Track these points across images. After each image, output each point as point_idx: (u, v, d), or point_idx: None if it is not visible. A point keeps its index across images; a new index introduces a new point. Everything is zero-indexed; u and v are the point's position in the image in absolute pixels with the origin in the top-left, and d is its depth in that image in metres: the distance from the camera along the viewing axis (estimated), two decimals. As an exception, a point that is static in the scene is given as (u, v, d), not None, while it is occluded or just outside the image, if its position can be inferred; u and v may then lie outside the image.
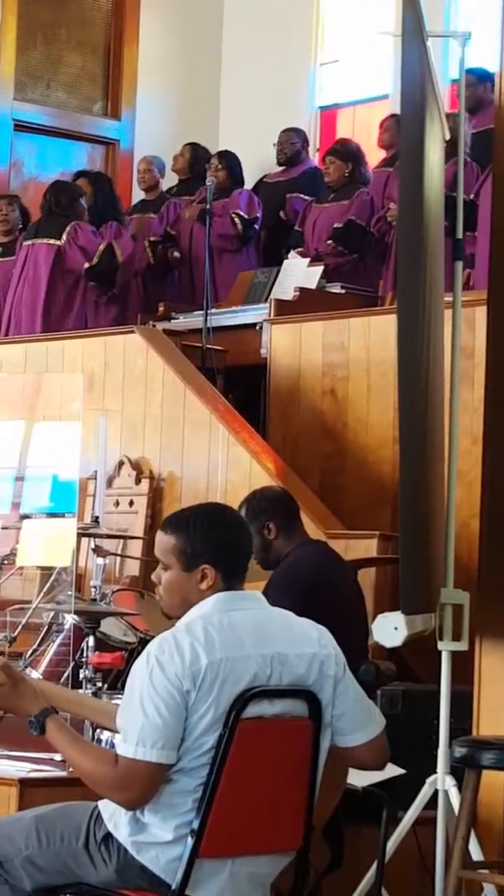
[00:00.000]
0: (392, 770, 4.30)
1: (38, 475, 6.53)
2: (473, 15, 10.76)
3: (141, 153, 11.66)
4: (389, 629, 4.10)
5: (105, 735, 4.08)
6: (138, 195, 11.41)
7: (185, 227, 10.42)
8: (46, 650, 5.99)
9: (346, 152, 9.85)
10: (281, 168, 10.93)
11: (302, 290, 8.68)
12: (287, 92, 12.01)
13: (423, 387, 4.29)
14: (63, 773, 4.54)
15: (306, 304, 8.41)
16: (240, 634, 3.42)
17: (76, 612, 5.63)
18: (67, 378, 8.03)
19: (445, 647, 4.63)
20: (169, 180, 11.30)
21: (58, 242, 9.74)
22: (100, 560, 6.04)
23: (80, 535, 6.33)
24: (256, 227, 10.24)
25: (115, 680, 5.63)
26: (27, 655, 5.98)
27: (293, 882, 3.59)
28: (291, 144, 10.88)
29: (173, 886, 3.38)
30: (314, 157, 11.20)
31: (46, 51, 12.24)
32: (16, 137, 11.99)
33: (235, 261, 10.05)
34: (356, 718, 3.55)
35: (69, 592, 5.82)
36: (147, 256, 10.46)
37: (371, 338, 7.62)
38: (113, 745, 3.75)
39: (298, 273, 8.99)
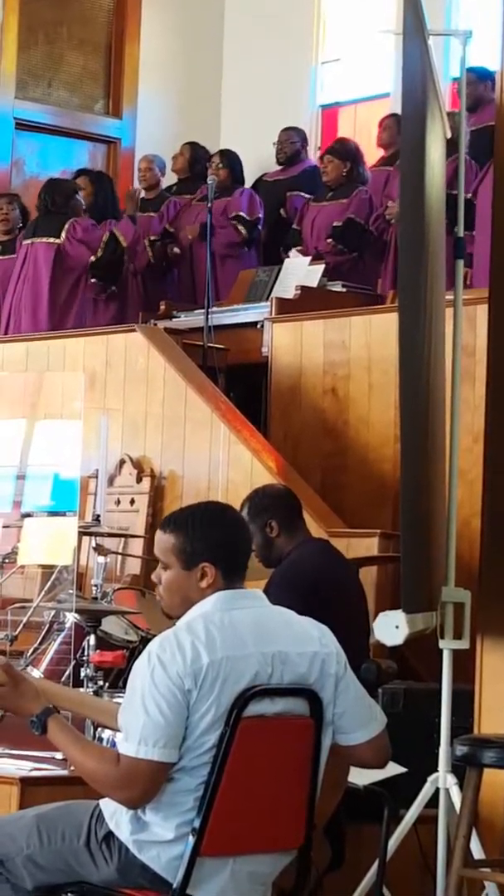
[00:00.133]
0: (393, 768, 4.29)
1: (39, 474, 6.52)
2: (474, 13, 10.76)
3: (142, 152, 11.67)
4: (391, 627, 4.10)
5: (106, 734, 4.07)
6: (138, 194, 11.41)
7: (186, 236, 10.38)
8: (47, 649, 5.99)
9: (345, 151, 9.85)
10: (280, 167, 10.93)
11: (303, 288, 8.67)
12: (288, 91, 12.01)
13: (425, 385, 4.28)
14: (64, 772, 4.54)
15: (307, 303, 8.41)
16: (241, 633, 3.42)
17: (77, 611, 5.63)
18: (69, 376, 8.03)
19: (446, 645, 4.63)
20: (169, 180, 11.30)
21: (57, 241, 9.73)
22: (101, 559, 6.04)
23: (81, 534, 6.33)
24: (259, 227, 10.23)
25: (116, 679, 5.63)
26: (28, 654, 5.97)
27: (294, 881, 3.59)
28: (291, 143, 10.88)
29: (174, 885, 3.38)
30: (315, 156, 11.19)
31: (48, 49, 12.24)
32: (17, 136, 11.99)
33: (236, 260, 10.05)
34: (357, 717, 3.55)
35: (70, 591, 5.81)
36: (147, 255, 10.46)
37: (372, 336, 7.62)
38: (114, 744, 3.75)
39: (299, 271, 8.98)
